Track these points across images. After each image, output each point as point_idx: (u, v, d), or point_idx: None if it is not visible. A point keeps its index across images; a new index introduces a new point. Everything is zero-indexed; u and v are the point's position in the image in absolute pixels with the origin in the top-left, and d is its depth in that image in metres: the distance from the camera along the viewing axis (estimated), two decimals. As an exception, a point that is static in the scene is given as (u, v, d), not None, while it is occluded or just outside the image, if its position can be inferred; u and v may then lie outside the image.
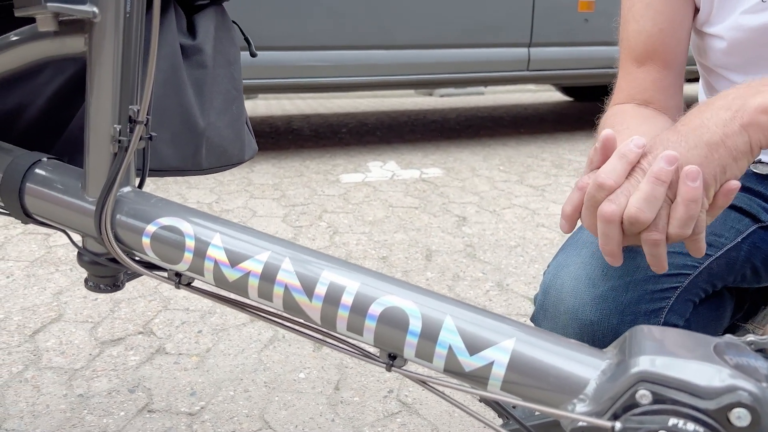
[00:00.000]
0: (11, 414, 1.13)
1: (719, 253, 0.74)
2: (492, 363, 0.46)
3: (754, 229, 0.76)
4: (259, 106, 5.03)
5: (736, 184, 0.54)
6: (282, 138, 3.60)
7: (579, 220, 0.58)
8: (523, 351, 0.45)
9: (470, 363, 0.46)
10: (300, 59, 2.77)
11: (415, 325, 0.48)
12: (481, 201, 2.39)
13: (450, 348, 0.47)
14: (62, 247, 1.89)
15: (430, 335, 0.47)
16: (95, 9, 0.51)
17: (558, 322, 0.72)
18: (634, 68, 0.80)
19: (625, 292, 0.69)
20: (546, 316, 0.74)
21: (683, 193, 0.51)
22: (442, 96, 5.89)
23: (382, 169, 2.85)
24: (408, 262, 1.81)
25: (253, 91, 2.96)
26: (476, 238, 2.01)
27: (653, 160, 0.53)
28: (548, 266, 0.76)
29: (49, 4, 0.49)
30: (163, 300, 1.57)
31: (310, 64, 2.78)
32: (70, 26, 0.52)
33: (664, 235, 0.53)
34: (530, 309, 1.54)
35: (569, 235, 0.75)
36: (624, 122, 0.73)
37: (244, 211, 2.26)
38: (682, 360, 0.41)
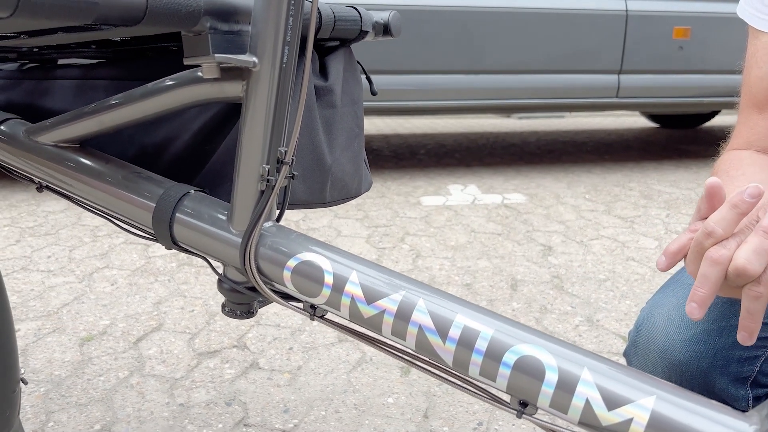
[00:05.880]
0: (119, 418, 1.20)
1: None
2: (631, 420, 0.46)
3: None
4: (339, 125, 5.14)
5: None
6: (363, 158, 3.66)
7: (681, 262, 0.57)
8: (663, 411, 0.45)
9: (608, 418, 0.46)
10: (388, 83, 2.82)
11: (552, 375, 0.48)
12: (567, 230, 2.35)
13: (587, 401, 0.47)
14: (160, 258, 2.00)
15: (566, 386, 0.48)
16: (255, 59, 0.55)
17: (648, 360, 0.73)
18: (755, 114, 0.78)
19: (719, 336, 0.69)
20: (636, 352, 0.75)
21: None
22: (520, 118, 5.83)
23: (463, 192, 2.85)
24: (493, 291, 1.81)
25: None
26: (563, 269, 1.98)
27: (764, 213, 0.52)
28: (646, 304, 0.76)
29: (216, 55, 0.53)
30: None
31: (398, 87, 2.83)
32: (229, 73, 0.56)
33: None
34: (622, 347, 1.49)
35: (664, 273, 0.76)
36: (740, 168, 0.72)
37: (329, 230, 2.31)
38: (843, 435, 0.40)
